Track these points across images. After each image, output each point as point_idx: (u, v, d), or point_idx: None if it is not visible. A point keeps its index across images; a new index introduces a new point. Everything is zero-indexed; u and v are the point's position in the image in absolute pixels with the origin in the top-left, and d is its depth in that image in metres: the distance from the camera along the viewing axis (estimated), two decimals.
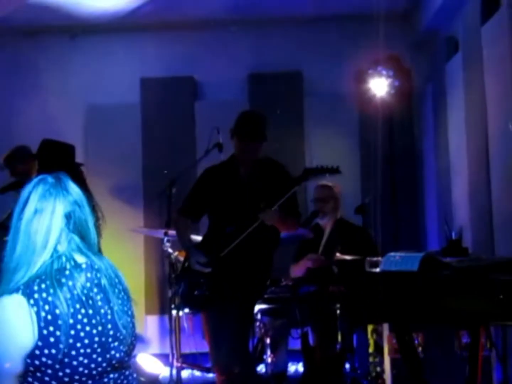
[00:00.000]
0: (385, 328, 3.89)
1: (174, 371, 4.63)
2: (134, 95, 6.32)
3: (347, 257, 4.37)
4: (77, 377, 1.83)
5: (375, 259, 3.40)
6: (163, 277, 5.84)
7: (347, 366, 4.38)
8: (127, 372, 1.97)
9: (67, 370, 1.82)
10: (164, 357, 5.05)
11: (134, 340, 1.99)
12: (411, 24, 6.28)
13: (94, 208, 4.15)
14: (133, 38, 6.27)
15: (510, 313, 2.36)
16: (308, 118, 6.39)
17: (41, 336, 1.79)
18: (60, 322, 1.80)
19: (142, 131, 6.33)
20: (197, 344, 4.76)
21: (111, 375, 1.91)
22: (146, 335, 6.12)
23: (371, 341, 4.24)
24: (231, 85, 6.34)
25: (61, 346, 1.79)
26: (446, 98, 5.65)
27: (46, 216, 1.88)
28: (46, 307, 1.79)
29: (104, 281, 1.92)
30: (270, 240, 3.90)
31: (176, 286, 4.11)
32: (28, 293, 1.79)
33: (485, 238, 4.65)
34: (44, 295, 1.80)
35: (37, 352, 1.79)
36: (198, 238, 4.25)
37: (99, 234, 3.60)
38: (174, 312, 4.66)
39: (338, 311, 4.31)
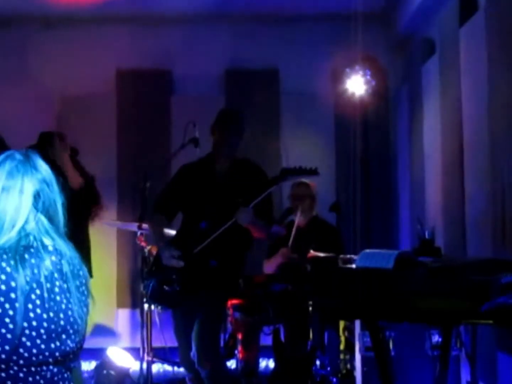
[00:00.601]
0: (357, 325, 3.92)
1: (145, 365, 4.61)
2: (110, 86, 6.26)
3: (320, 255, 4.39)
4: (14, 358, 1.74)
5: (348, 256, 3.43)
6: (135, 271, 5.81)
7: (318, 363, 4.40)
8: (65, 375, 1.85)
9: (6, 347, 1.73)
10: (135, 351, 5.04)
11: (82, 340, 1.87)
12: (388, 24, 6.32)
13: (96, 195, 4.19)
14: (110, 29, 6.20)
15: (480, 313, 2.38)
16: (284, 116, 6.40)
17: None
18: (13, 295, 1.72)
19: (117, 123, 6.28)
20: (168, 339, 4.74)
21: (51, 368, 1.80)
22: (117, 328, 6.09)
23: (342, 339, 4.27)
24: (208, 81, 6.33)
25: (7, 320, 1.71)
26: (422, 99, 5.70)
27: (15, 195, 1.79)
28: (3, 277, 1.72)
29: (66, 269, 1.81)
30: (243, 239, 3.92)
31: (146, 283, 4.08)
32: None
33: (457, 239, 4.70)
34: (3, 264, 1.73)
35: None
36: (172, 232, 4.24)
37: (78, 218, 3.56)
38: (145, 306, 4.64)
39: (310, 309, 4.34)
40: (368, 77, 5.77)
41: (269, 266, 4.81)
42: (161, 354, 4.93)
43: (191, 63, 6.28)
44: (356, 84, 5.63)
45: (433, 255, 2.79)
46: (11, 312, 1.72)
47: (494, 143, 4.09)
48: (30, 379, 1.77)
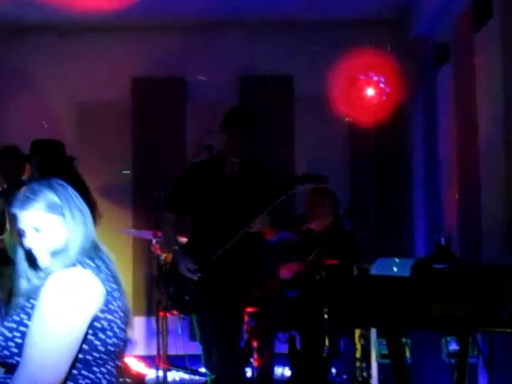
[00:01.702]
0: (373, 333, 3.90)
1: (160, 373, 4.63)
2: (125, 94, 6.29)
3: (335, 262, 4.38)
4: (111, 349, 2.00)
5: (364, 264, 3.42)
6: (151, 279, 5.82)
7: (334, 371, 4.39)
8: None
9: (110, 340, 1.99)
10: (150, 359, 5.04)
11: None
12: (401, 30, 6.31)
13: (92, 201, 4.19)
14: (125, 37, 6.24)
15: (497, 320, 2.37)
16: (298, 122, 6.40)
17: (105, 302, 1.95)
18: (115, 294, 1.99)
19: (132, 131, 6.30)
20: (184, 346, 4.76)
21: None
22: (132, 336, 6.09)
23: (358, 346, 4.25)
24: (222, 87, 6.34)
25: (115, 315, 1.98)
26: (437, 106, 5.68)
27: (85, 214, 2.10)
28: (105, 279, 1.98)
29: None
30: (258, 244, 3.91)
31: (164, 289, 4.10)
32: (89, 267, 1.98)
33: (473, 246, 4.67)
34: (101, 269, 2.00)
35: (101, 315, 1.95)
36: (183, 239, 4.23)
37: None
38: (161, 313, 4.65)
39: (325, 316, 4.33)
40: (382, 83, 5.76)
41: (285, 273, 4.80)
42: (176, 362, 4.93)
43: (205, 70, 6.29)
44: (370, 90, 5.62)
45: (449, 261, 2.78)
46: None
47: (510, 151, 4.06)
48: None
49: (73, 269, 1.96)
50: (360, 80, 5.86)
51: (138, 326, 6.12)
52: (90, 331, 1.94)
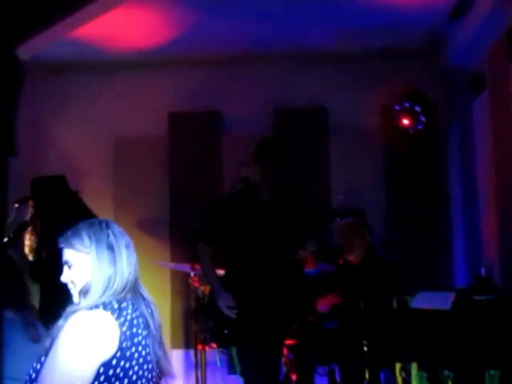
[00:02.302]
0: (414, 366, 3.84)
1: None
2: (162, 128, 6.39)
3: (374, 293, 4.35)
4: None
5: (403, 296, 3.40)
6: (189, 311, 5.83)
7: None
8: None
9: None
10: None
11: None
12: (436, 59, 6.30)
13: None
14: (161, 73, 6.36)
15: None
16: (333, 153, 6.40)
17: (120, 348, 1.93)
18: (136, 340, 1.97)
19: (169, 164, 6.38)
20: (223, 379, 4.74)
21: None
22: (172, 371, 6.09)
23: (399, 379, 4.19)
24: (257, 120, 6.39)
25: (134, 362, 1.95)
26: (473, 135, 5.64)
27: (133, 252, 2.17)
28: (127, 324, 1.96)
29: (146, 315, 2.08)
30: (298, 276, 3.90)
31: (202, 322, 4.10)
32: (111, 309, 1.97)
33: None
34: (124, 313, 1.98)
35: (114, 362, 1.93)
36: (221, 272, 4.24)
37: None
38: (199, 346, 4.65)
39: (365, 348, 4.28)
40: (418, 113, 5.76)
41: (322, 305, 4.78)
42: None
43: (241, 103, 6.37)
44: (405, 120, 5.62)
45: (490, 292, 2.75)
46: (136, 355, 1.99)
47: None
48: None
49: (93, 311, 1.96)
50: (395, 111, 5.87)
51: (176, 359, 6.12)
52: (102, 378, 1.92)
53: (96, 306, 1.97)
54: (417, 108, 5.78)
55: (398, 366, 4.18)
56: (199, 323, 4.65)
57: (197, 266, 4.59)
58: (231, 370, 4.59)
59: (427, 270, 5.87)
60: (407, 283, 5.37)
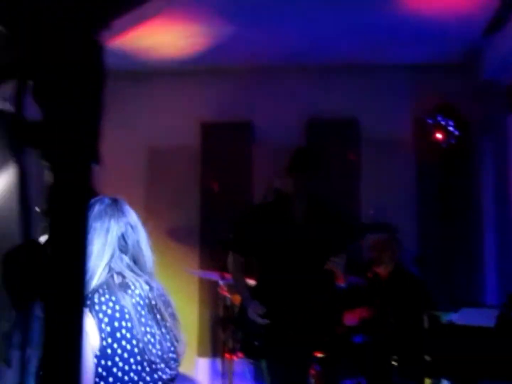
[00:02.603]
0: (445, 382, 3.79)
1: None
2: (194, 138, 6.43)
3: (403, 307, 4.32)
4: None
5: (434, 313, 3.35)
6: (216, 320, 5.83)
7: None
8: None
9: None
10: None
11: (176, 366, 1.99)
12: (470, 73, 6.26)
13: None
14: (194, 83, 6.41)
15: None
16: (364, 166, 6.38)
17: (100, 347, 1.83)
18: (118, 334, 1.84)
19: (201, 174, 6.41)
20: None
21: None
22: (197, 377, 6.11)
23: None
24: (289, 131, 6.39)
25: (117, 358, 1.83)
26: (508, 150, 5.58)
27: (101, 234, 1.94)
28: (106, 320, 1.84)
29: (156, 301, 1.96)
30: (329, 288, 3.87)
31: (231, 332, 4.10)
32: (89, 305, 1.83)
33: None
34: (104, 307, 1.86)
35: (95, 361, 1.83)
36: (251, 281, 4.24)
37: None
38: (227, 355, 4.64)
39: (394, 363, 4.24)
40: (450, 127, 5.72)
41: (351, 318, 4.74)
42: None
43: (272, 114, 6.38)
44: (438, 134, 5.58)
45: None
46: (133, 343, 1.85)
47: None
48: None
49: None
50: (427, 124, 5.83)
51: (203, 368, 6.13)
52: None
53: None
54: (450, 122, 5.74)
55: (427, 382, 4.13)
56: (228, 333, 4.64)
57: (226, 275, 4.59)
58: (259, 380, 4.57)
59: (458, 286, 5.80)
60: (438, 299, 5.32)
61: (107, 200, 2.03)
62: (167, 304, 2.01)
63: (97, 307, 1.85)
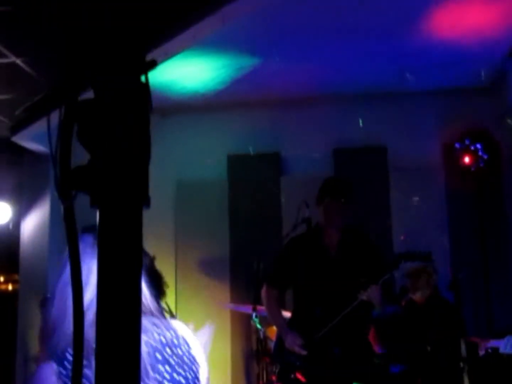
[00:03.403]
0: None
1: None
2: (222, 171, 6.46)
3: (440, 335, 4.25)
4: None
5: (472, 340, 3.29)
6: (249, 352, 5.79)
7: None
8: None
9: None
10: None
11: None
12: (498, 97, 6.22)
13: (162, 286, 4.26)
14: (221, 116, 6.46)
15: None
16: (394, 192, 6.34)
17: None
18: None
19: (229, 206, 6.43)
20: None
21: None
22: None
23: None
24: (317, 160, 6.39)
25: None
26: None
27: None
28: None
29: (168, 349, 1.86)
30: (365, 321, 3.83)
31: (265, 364, 4.06)
32: (57, 360, 1.77)
33: None
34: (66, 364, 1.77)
35: None
36: (287, 313, 4.21)
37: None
38: None
39: None
40: (480, 151, 5.67)
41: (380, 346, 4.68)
42: None
43: (300, 144, 6.39)
44: (467, 158, 5.54)
45: None
46: None
47: None
48: None
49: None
50: (456, 149, 5.80)
51: None
52: None
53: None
54: (479, 146, 5.70)
55: None
56: (263, 366, 4.60)
57: (259, 308, 4.57)
58: None
59: (495, 311, 5.70)
60: (472, 325, 5.23)
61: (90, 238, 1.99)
62: (180, 351, 1.90)
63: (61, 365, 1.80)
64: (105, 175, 0.73)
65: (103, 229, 0.73)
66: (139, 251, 0.72)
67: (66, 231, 0.75)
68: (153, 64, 0.80)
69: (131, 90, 0.77)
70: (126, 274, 0.71)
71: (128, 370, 0.72)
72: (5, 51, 4.07)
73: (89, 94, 0.81)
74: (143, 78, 0.80)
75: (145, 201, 0.77)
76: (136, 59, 0.76)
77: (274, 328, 4.69)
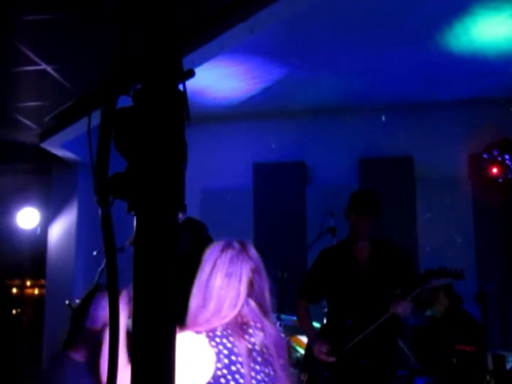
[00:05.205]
0: None
1: None
2: (247, 179, 6.48)
3: (466, 348, 4.21)
4: None
5: (499, 353, 3.26)
6: None
7: None
8: None
9: None
10: None
11: None
12: None
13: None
14: (247, 125, 6.49)
15: None
16: (420, 203, 6.30)
17: (214, 376, 1.89)
18: (233, 368, 1.89)
19: (254, 215, 6.44)
20: None
21: None
22: None
23: None
24: (342, 170, 6.39)
25: None
26: None
27: (235, 283, 2.02)
28: (225, 352, 1.90)
29: (265, 350, 1.99)
30: (394, 330, 3.81)
31: (298, 375, 4.06)
32: (211, 336, 1.91)
33: None
34: (224, 340, 1.92)
35: None
36: (317, 325, 4.21)
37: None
38: None
39: None
40: (507, 161, 5.62)
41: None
42: None
43: (325, 153, 6.39)
44: (494, 169, 5.50)
45: None
46: (241, 381, 1.91)
47: None
48: None
49: (189, 334, 1.94)
50: (483, 159, 5.75)
51: None
52: None
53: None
54: (507, 157, 5.64)
55: None
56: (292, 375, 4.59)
57: (284, 316, 4.57)
58: None
59: None
60: (499, 338, 5.17)
61: (236, 245, 2.10)
62: (279, 354, 2.03)
63: (218, 339, 1.92)
64: (142, 182, 0.74)
65: (140, 234, 0.74)
66: (174, 256, 0.74)
67: (104, 237, 0.76)
68: (190, 73, 0.81)
69: (169, 98, 0.78)
70: (161, 278, 0.72)
71: (162, 375, 0.73)
72: (36, 59, 4.14)
73: (127, 102, 0.82)
74: (180, 87, 0.82)
75: (181, 208, 0.78)
76: (174, 67, 0.78)
77: (299, 337, 4.69)
